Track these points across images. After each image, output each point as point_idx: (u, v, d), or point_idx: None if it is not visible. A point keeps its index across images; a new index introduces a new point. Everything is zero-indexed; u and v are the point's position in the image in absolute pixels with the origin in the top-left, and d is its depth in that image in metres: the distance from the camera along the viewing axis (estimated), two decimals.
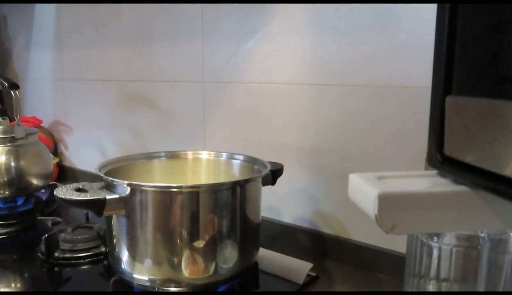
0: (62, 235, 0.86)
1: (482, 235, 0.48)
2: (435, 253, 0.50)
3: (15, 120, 1.04)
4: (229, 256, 0.67)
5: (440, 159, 0.31)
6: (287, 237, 0.90)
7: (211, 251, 0.65)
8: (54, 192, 0.63)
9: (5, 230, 0.97)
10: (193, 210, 0.63)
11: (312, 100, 0.83)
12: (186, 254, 0.64)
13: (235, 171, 0.83)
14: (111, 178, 0.67)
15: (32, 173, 1.06)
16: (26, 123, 1.35)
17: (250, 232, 0.71)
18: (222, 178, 0.84)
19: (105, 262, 0.81)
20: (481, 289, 0.48)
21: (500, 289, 0.47)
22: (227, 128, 0.98)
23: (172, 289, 0.65)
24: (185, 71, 1.04)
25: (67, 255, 0.82)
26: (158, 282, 0.65)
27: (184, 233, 0.64)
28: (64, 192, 0.63)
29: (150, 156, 0.85)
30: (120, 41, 1.19)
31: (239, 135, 0.96)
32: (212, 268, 0.65)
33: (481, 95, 0.27)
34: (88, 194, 0.63)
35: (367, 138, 0.77)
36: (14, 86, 1.05)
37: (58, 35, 1.39)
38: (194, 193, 0.64)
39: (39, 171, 1.09)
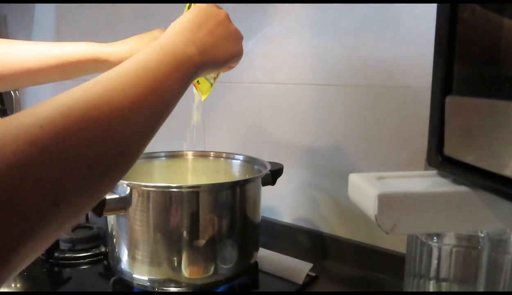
0: (62, 235, 0.86)
1: (482, 235, 0.48)
2: (435, 253, 0.50)
3: None
4: (229, 256, 0.67)
5: (440, 159, 0.31)
6: (287, 237, 0.90)
7: (211, 251, 0.65)
8: None
9: None
10: (193, 210, 0.63)
11: (312, 100, 0.83)
12: (186, 254, 0.64)
13: (235, 171, 0.82)
14: None
15: None
16: None
17: (250, 232, 0.71)
18: (222, 178, 0.84)
19: (105, 262, 0.81)
20: (481, 289, 0.48)
21: (500, 289, 0.47)
22: (227, 128, 0.98)
23: (172, 289, 0.65)
24: None
25: (67, 255, 0.82)
26: (158, 282, 0.65)
27: (184, 233, 0.63)
28: None
29: (150, 156, 0.85)
30: None
31: (239, 135, 0.96)
32: (212, 268, 0.65)
33: (481, 95, 0.27)
34: None
35: (367, 138, 0.77)
36: None
37: (58, 35, 1.39)
38: (194, 193, 0.64)
39: None
